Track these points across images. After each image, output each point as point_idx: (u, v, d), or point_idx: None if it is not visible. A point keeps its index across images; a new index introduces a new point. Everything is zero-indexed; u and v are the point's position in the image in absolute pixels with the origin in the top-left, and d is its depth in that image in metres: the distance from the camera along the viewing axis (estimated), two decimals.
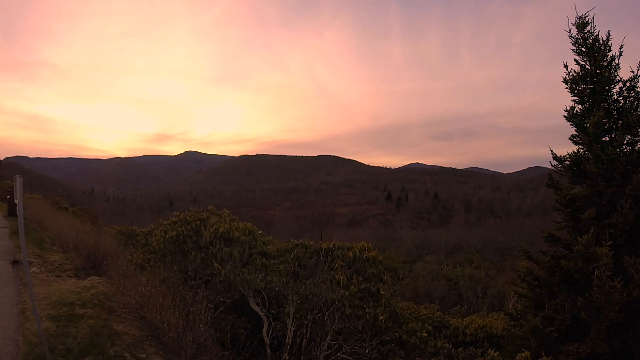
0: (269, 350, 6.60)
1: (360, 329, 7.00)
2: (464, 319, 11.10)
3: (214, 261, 8.03)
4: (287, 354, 6.37)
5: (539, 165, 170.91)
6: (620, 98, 6.14)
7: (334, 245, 9.11)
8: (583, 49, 6.32)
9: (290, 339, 6.48)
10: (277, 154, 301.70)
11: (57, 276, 6.39)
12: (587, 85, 6.30)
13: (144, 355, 4.12)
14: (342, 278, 7.82)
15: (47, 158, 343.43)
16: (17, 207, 3.64)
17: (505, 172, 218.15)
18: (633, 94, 6.03)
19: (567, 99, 6.54)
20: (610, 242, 5.17)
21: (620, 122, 5.98)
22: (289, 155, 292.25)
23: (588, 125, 6.13)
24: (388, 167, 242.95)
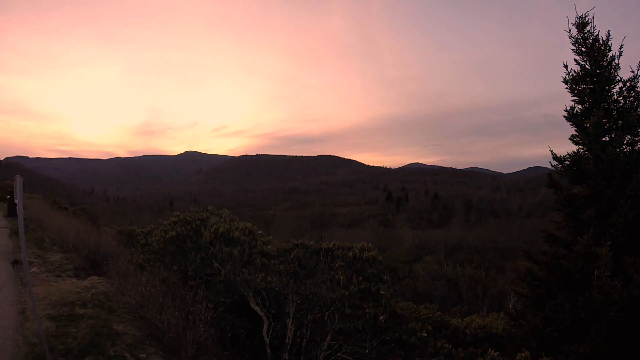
0: (269, 350, 6.60)
1: (360, 329, 7.00)
2: (464, 319, 11.09)
3: (214, 261, 8.04)
4: (287, 354, 6.37)
5: (539, 165, 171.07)
6: (620, 98, 6.14)
7: (334, 245, 9.13)
8: (583, 49, 6.32)
9: (290, 339, 6.48)
10: (279, 153, 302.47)
11: (57, 276, 6.38)
12: (587, 85, 6.29)
13: (144, 355, 4.12)
14: (342, 278, 7.83)
15: (47, 158, 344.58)
16: (17, 207, 3.64)
17: (505, 172, 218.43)
18: (633, 94, 6.03)
19: None
20: (610, 242, 5.17)
21: (620, 122, 5.98)
22: (289, 155, 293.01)
23: (588, 125, 6.13)
24: (388, 167, 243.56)
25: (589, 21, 6.26)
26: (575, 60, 6.41)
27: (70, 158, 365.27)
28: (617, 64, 6.12)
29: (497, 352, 7.36)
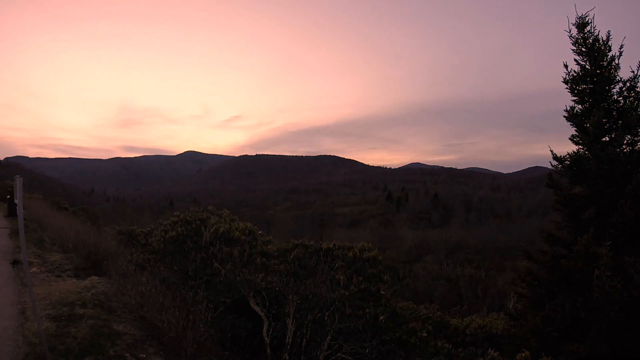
0: (269, 350, 6.60)
1: (361, 328, 7.00)
2: (464, 319, 11.08)
3: (214, 261, 8.05)
4: (287, 354, 6.37)
5: (539, 165, 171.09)
6: (620, 98, 6.14)
7: (334, 245, 9.14)
8: (583, 49, 6.32)
9: (290, 339, 6.48)
10: (278, 153, 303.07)
11: (57, 276, 6.38)
12: (587, 85, 6.30)
13: (144, 355, 4.12)
14: (342, 278, 7.83)
15: (47, 158, 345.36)
16: (17, 207, 3.63)
17: (505, 172, 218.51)
18: (633, 94, 6.04)
19: None
20: (610, 242, 5.17)
21: (620, 122, 5.98)
22: (289, 155, 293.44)
23: (588, 125, 6.14)
24: (388, 167, 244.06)
25: (589, 21, 6.26)
26: (575, 60, 6.41)
27: (70, 158, 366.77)
28: (617, 64, 6.12)
29: (497, 352, 7.35)
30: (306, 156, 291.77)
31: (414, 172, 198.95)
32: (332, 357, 6.49)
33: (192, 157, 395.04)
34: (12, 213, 12.18)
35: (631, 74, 6.03)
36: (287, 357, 6.36)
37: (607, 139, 6.10)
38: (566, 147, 6.45)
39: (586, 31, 6.27)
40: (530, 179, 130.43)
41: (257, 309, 7.02)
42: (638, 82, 6.00)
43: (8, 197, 13.13)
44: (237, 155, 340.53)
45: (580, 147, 6.32)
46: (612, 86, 6.14)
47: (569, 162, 6.38)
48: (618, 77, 6.11)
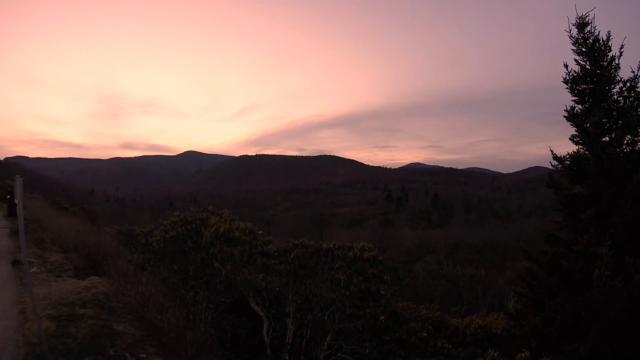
0: (269, 350, 6.60)
1: (361, 328, 7.00)
2: (464, 319, 11.09)
3: (214, 261, 8.05)
4: (287, 354, 6.36)
5: (539, 165, 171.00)
6: (621, 98, 6.15)
7: (334, 245, 9.14)
8: (583, 49, 6.32)
9: (290, 339, 6.48)
10: (278, 153, 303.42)
11: (57, 276, 6.38)
12: (587, 85, 6.30)
13: (144, 355, 4.12)
14: (342, 278, 7.84)
15: (47, 158, 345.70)
16: (17, 207, 3.63)
17: (505, 172, 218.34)
18: (633, 94, 6.04)
19: None
20: (610, 242, 5.17)
21: (620, 122, 5.99)
22: (289, 155, 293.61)
23: (588, 125, 6.14)
24: (388, 167, 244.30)
25: (589, 21, 6.26)
26: (575, 60, 6.41)
27: (70, 158, 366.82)
28: (618, 64, 6.13)
29: (497, 352, 7.35)
30: (306, 156, 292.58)
31: (414, 172, 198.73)
32: (332, 357, 6.49)
33: (192, 157, 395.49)
34: (12, 213, 12.18)
35: (631, 74, 6.04)
36: (287, 357, 6.35)
37: (607, 139, 6.10)
38: (566, 147, 6.45)
39: (586, 31, 6.27)
40: (530, 179, 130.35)
41: (257, 309, 7.01)
42: (638, 82, 6.01)
43: (8, 197, 13.12)
44: (237, 155, 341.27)
45: (581, 147, 6.32)
46: (612, 86, 6.14)
47: (569, 162, 6.38)
48: (618, 77, 6.11)
